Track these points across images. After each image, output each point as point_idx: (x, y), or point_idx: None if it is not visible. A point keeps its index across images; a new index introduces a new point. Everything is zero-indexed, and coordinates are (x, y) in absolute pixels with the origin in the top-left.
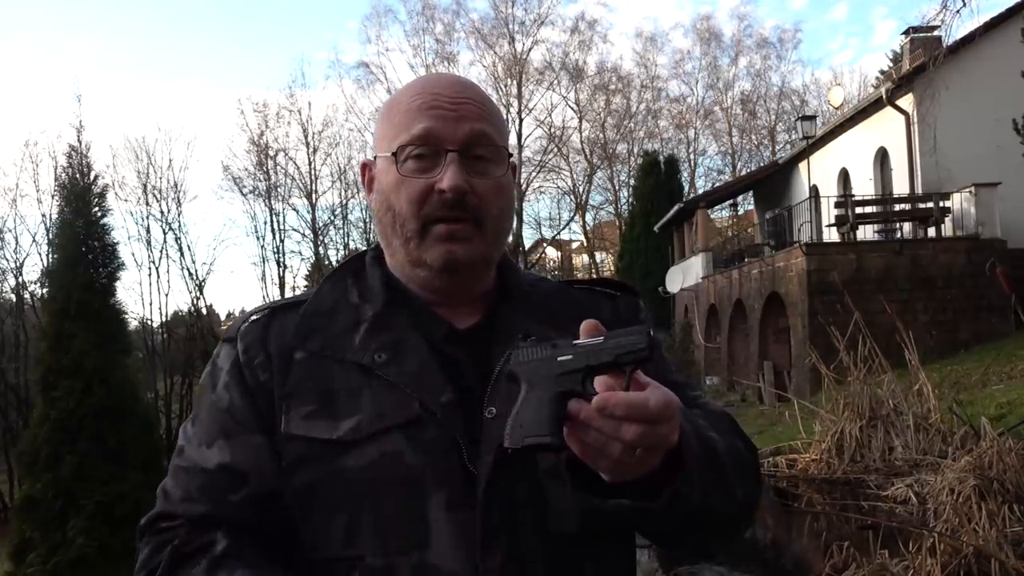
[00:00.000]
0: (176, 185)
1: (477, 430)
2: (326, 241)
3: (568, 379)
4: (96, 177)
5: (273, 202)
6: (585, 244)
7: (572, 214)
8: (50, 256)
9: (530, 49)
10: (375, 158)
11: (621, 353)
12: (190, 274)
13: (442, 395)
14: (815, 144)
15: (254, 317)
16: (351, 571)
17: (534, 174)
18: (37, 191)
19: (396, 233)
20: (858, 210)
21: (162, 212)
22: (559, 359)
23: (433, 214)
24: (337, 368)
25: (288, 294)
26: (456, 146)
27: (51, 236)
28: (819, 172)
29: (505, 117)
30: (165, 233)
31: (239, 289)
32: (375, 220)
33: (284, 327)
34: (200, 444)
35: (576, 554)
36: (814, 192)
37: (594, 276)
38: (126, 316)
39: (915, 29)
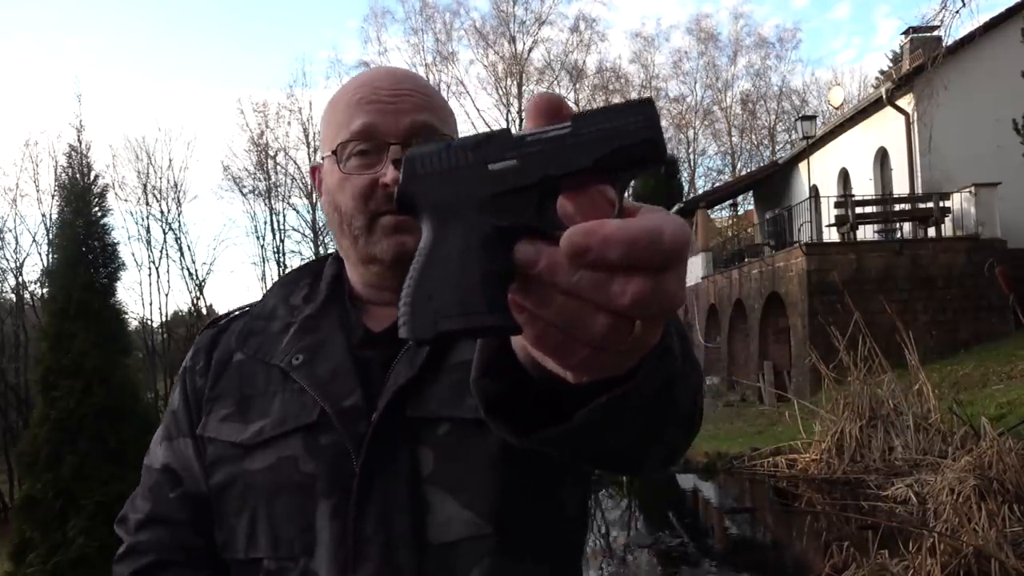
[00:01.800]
0: (176, 185)
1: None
2: (326, 241)
3: (511, 203)
4: (96, 177)
5: (273, 202)
6: None
7: None
8: (50, 256)
9: (530, 49)
10: (323, 159)
11: (608, 152)
12: (190, 274)
13: (347, 399)
14: (815, 144)
15: (220, 320)
16: (254, 574)
17: None
18: (37, 191)
19: (344, 233)
20: (858, 210)
21: (162, 212)
22: (492, 168)
23: (379, 209)
24: (263, 371)
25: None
26: (398, 139)
27: (51, 236)
28: (819, 172)
29: (505, 116)
30: (165, 233)
31: (239, 289)
32: (327, 222)
33: (237, 330)
34: (158, 442)
35: (461, 562)
36: (814, 192)
37: None
38: (126, 316)
39: (915, 29)
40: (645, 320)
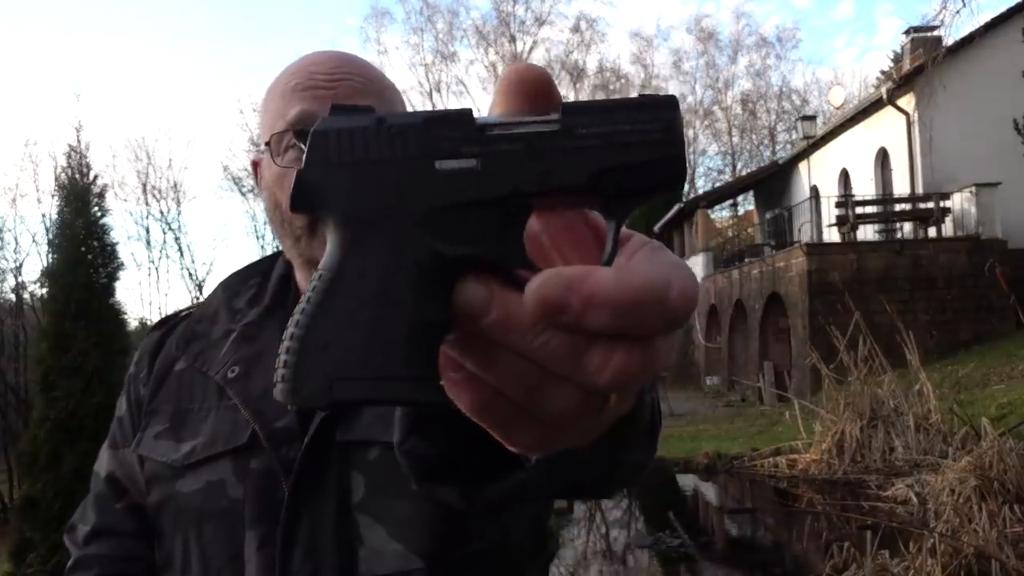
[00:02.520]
0: (176, 185)
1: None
2: None
3: (461, 221)
4: (96, 177)
5: None
6: None
7: None
8: (50, 256)
9: (531, 49)
10: (263, 152)
11: (610, 166)
12: (190, 274)
13: (279, 420)
14: (815, 144)
15: (167, 320)
16: None
17: None
18: (37, 191)
19: (285, 232)
20: (858, 210)
21: (162, 212)
22: (441, 167)
23: None
24: (201, 383)
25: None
26: None
27: (51, 236)
28: (819, 172)
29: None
30: (165, 233)
31: None
32: (268, 220)
33: (180, 333)
34: (107, 447)
35: None
36: (814, 192)
37: None
38: (126, 316)
39: (916, 29)
40: (623, 394)
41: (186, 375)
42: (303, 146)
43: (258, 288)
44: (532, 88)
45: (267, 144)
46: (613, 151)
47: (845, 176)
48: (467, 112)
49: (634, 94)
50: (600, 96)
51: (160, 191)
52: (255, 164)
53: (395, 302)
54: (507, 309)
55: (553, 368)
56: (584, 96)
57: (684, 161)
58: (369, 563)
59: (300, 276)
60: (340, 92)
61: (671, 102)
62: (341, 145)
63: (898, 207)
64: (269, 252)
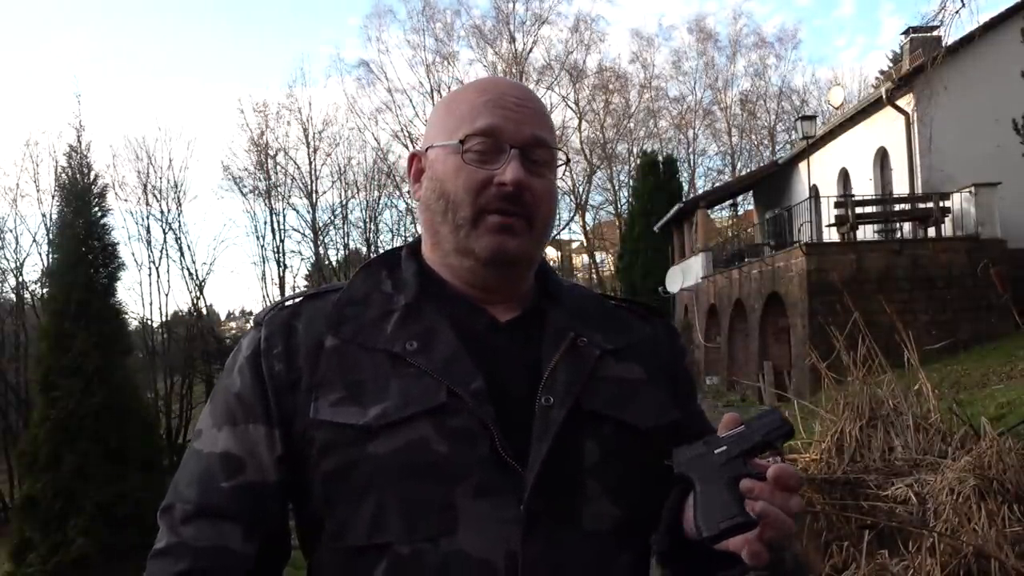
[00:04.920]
0: (176, 185)
1: (518, 417)
2: (326, 241)
3: (731, 466)
4: (96, 177)
5: (273, 202)
6: (585, 244)
7: (572, 214)
8: (50, 256)
9: (530, 49)
10: (427, 149)
11: (768, 433)
12: (190, 274)
13: (472, 382)
14: (815, 144)
15: (286, 303)
16: (379, 559)
17: None
18: (37, 191)
19: (447, 220)
20: (858, 210)
21: (162, 212)
22: (716, 452)
23: (489, 205)
24: (367, 357)
25: (288, 294)
26: (518, 144)
27: (51, 236)
28: (819, 172)
29: None
30: (165, 233)
31: (239, 289)
32: (422, 208)
33: (315, 315)
34: (213, 426)
35: (608, 551)
36: (814, 192)
37: (594, 277)
38: (126, 316)
39: (915, 29)
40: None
41: (343, 350)
42: (519, 172)
43: (391, 279)
44: (731, 423)
45: (461, 142)
46: (767, 426)
47: (845, 176)
48: (715, 436)
49: (633, 94)
50: (599, 95)
51: (160, 191)
52: (413, 157)
53: (725, 496)
54: (762, 487)
55: (780, 505)
56: (584, 95)
57: (791, 428)
58: (593, 519)
59: (445, 264)
60: (523, 117)
61: (777, 410)
62: (681, 456)
63: (897, 207)
64: (270, 253)
